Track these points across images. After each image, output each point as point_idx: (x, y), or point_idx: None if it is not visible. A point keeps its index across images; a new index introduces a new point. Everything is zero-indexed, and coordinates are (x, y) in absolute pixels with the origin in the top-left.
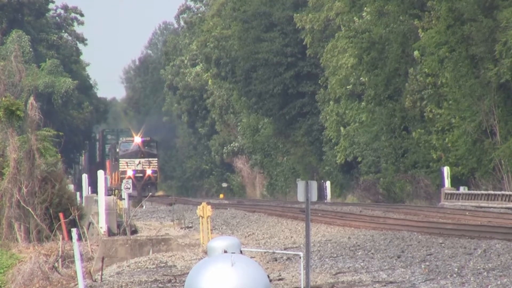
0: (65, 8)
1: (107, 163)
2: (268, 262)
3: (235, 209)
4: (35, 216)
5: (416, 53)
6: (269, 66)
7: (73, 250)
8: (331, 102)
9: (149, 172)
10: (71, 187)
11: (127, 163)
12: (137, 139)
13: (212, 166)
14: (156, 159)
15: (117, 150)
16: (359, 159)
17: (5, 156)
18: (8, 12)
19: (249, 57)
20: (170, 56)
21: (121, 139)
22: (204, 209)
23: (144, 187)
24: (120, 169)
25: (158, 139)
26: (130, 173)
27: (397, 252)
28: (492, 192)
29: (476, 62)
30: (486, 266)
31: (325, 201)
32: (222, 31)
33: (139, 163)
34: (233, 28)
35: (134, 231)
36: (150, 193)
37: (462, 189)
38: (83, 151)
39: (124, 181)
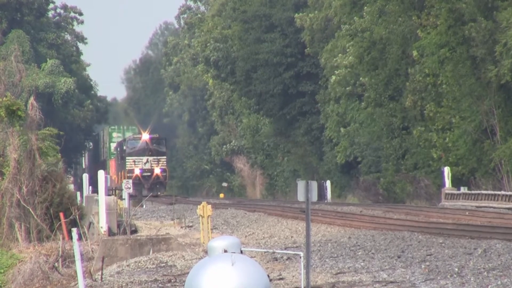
0: (65, 7)
1: (112, 162)
2: (268, 262)
3: (235, 208)
4: (35, 216)
5: (415, 53)
6: (269, 66)
7: (73, 249)
8: (331, 102)
9: (157, 171)
10: (71, 187)
11: (134, 161)
12: (145, 136)
13: (212, 166)
14: (165, 157)
15: (124, 147)
16: (359, 159)
17: (5, 156)
18: (8, 11)
19: (249, 57)
20: (170, 57)
21: (128, 135)
22: (205, 209)
23: (152, 186)
24: (127, 168)
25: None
26: (137, 172)
27: (398, 252)
28: (492, 192)
29: (477, 63)
30: (486, 266)
31: (326, 201)
32: (222, 31)
33: (147, 161)
34: (233, 28)
35: (134, 231)
36: (159, 193)
37: (462, 189)
38: (85, 150)
39: (124, 181)
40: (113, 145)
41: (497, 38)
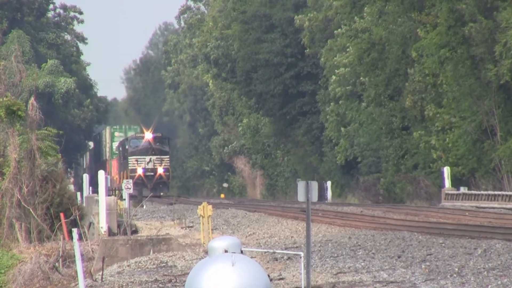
0: (64, 7)
1: (114, 162)
2: (268, 262)
3: (235, 209)
4: (35, 216)
5: (414, 54)
6: (269, 66)
7: (73, 250)
8: (332, 103)
9: (160, 170)
10: (72, 187)
11: (137, 160)
12: (148, 135)
13: (213, 167)
14: (168, 156)
15: (126, 147)
16: (360, 159)
17: (5, 156)
18: (9, 11)
19: (249, 57)
20: (170, 55)
21: (130, 134)
22: (205, 209)
23: (155, 186)
24: (129, 167)
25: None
26: (140, 171)
27: (398, 252)
28: (492, 192)
29: (477, 63)
30: (486, 266)
31: (326, 201)
32: (223, 31)
33: (150, 160)
34: (233, 28)
35: (135, 231)
36: (162, 193)
37: (462, 190)
38: (85, 150)
39: (124, 181)
40: (115, 145)
41: (497, 38)
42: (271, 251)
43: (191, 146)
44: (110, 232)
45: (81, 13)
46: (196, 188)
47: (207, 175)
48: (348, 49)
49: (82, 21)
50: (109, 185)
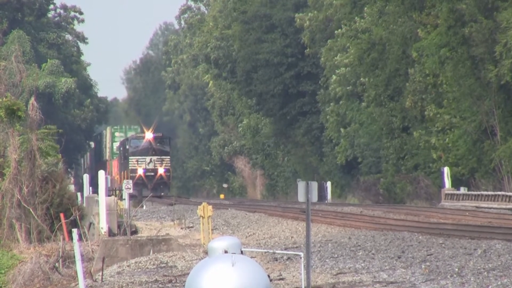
0: (64, 7)
1: (115, 162)
2: (268, 262)
3: (235, 209)
4: (35, 217)
5: (414, 54)
6: (269, 66)
7: (73, 250)
8: (332, 103)
9: (161, 171)
10: (72, 187)
11: (137, 161)
12: (149, 135)
13: (213, 167)
14: (169, 157)
15: (127, 147)
16: (360, 159)
17: (5, 157)
18: (9, 11)
19: (249, 57)
20: (170, 56)
21: (131, 134)
22: (205, 209)
23: (155, 186)
24: (130, 168)
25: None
26: (140, 171)
27: (398, 253)
28: (492, 192)
29: (477, 64)
30: (486, 266)
31: (326, 202)
32: (223, 31)
33: (151, 161)
34: (233, 28)
35: (135, 231)
36: (163, 193)
37: (462, 190)
38: (85, 150)
39: (124, 181)
40: (115, 145)
41: (497, 38)
42: (271, 251)
43: (191, 146)
44: (110, 233)
45: (81, 13)
46: (196, 188)
47: (207, 175)
48: (348, 49)
49: (82, 21)
50: (109, 185)
